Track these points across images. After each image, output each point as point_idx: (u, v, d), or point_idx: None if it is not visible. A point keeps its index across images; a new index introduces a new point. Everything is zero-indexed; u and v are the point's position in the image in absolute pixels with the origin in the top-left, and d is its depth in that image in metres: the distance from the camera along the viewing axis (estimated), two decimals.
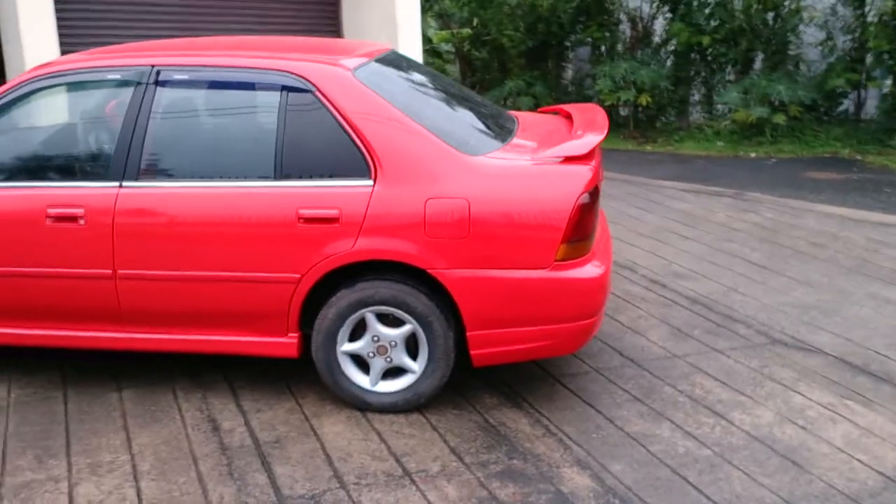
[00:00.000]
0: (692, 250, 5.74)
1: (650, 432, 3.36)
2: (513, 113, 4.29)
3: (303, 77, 3.38)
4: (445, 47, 15.56)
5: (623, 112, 12.26)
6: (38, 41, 6.77)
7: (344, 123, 3.32)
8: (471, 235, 3.25)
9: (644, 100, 11.07)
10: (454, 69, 15.47)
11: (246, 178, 3.39)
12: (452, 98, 3.96)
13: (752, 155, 9.86)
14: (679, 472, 3.07)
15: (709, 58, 11.46)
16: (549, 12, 12.33)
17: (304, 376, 3.73)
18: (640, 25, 12.16)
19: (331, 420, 3.46)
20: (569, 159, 3.33)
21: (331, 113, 3.34)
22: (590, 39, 12.39)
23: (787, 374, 3.85)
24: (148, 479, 3.05)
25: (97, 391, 3.71)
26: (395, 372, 3.51)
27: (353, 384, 3.48)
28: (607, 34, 12.13)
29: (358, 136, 3.30)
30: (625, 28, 12.44)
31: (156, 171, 3.45)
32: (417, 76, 4.05)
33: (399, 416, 3.48)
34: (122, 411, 3.53)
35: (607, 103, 11.54)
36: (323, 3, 8.81)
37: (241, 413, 3.51)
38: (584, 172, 3.30)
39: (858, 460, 3.13)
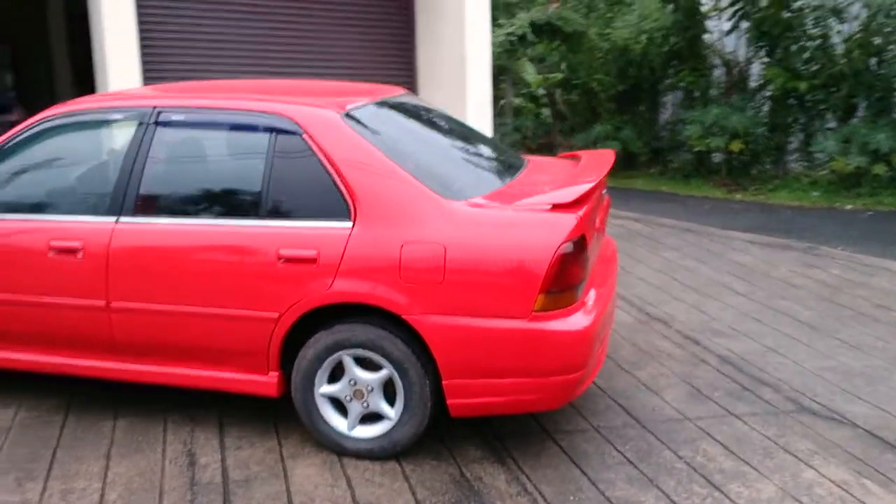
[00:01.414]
0: (739, 306, 5.39)
1: (634, 499, 3.13)
2: (527, 157, 4.18)
3: (292, 119, 3.41)
4: (542, 91, 15.55)
5: (716, 159, 11.84)
6: (123, 75, 7.13)
7: (328, 165, 3.32)
8: (446, 282, 3.16)
9: (736, 146, 10.65)
10: (548, 112, 15.41)
11: (233, 216, 3.43)
12: (454, 142, 3.91)
13: (848, 207, 9.29)
14: None
15: (807, 104, 10.93)
16: (640, 56, 12.12)
17: (294, 416, 3.70)
18: (735, 69, 11.76)
19: (305, 462, 3.40)
20: (556, 207, 3.21)
21: (316, 155, 3.34)
22: (682, 84, 12.07)
23: (805, 445, 3.52)
24: None
25: (95, 419, 3.79)
26: (375, 418, 3.43)
27: (331, 428, 3.43)
28: (700, 78, 11.79)
29: (340, 178, 3.29)
30: (719, 72, 12.06)
31: (150, 208, 3.53)
32: (420, 120, 4.02)
33: (375, 462, 3.39)
34: (111, 440, 3.60)
35: (696, 149, 11.18)
36: (398, 45, 8.92)
37: (221, 449, 3.51)
38: (567, 221, 3.16)
39: None
